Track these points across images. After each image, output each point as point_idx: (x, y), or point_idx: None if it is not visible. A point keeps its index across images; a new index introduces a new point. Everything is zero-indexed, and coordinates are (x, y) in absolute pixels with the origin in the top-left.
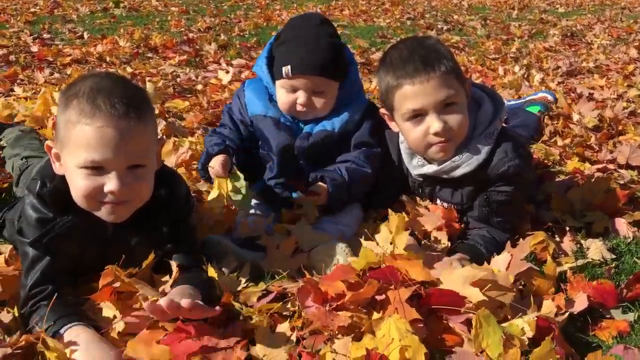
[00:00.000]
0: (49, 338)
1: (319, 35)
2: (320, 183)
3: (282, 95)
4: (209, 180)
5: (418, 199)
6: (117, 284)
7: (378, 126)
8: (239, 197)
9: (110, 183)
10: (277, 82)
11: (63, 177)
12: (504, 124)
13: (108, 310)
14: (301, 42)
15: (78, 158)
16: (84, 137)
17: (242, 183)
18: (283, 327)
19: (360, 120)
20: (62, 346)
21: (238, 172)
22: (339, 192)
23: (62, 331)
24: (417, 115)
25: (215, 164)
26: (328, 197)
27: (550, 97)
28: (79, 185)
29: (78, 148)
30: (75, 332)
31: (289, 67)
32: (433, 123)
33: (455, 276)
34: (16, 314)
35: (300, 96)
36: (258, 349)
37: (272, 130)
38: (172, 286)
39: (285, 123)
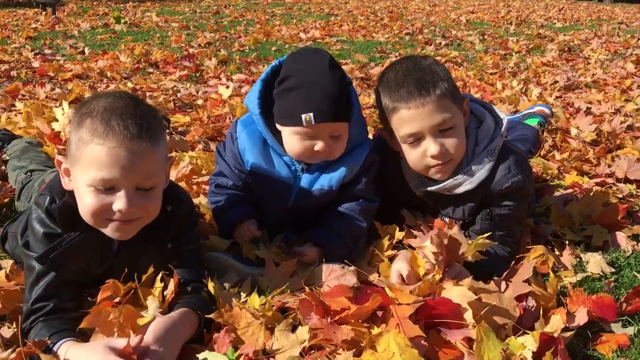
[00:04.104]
0: (43, 355)
1: (334, 80)
2: (310, 246)
3: (296, 143)
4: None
5: (418, 213)
6: (117, 299)
7: (377, 171)
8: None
9: (119, 202)
10: (289, 129)
11: (72, 193)
12: (504, 138)
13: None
14: (318, 89)
15: (88, 176)
16: (96, 157)
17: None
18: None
19: (360, 172)
20: None
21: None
22: (334, 252)
23: (55, 348)
24: (414, 139)
25: (248, 231)
26: (323, 255)
27: (547, 110)
28: (87, 203)
29: (89, 166)
30: (65, 347)
31: (311, 114)
32: (430, 146)
33: (455, 292)
34: (16, 329)
35: (321, 143)
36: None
37: (266, 192)
38: (171, 305)
39: (279, 176)
